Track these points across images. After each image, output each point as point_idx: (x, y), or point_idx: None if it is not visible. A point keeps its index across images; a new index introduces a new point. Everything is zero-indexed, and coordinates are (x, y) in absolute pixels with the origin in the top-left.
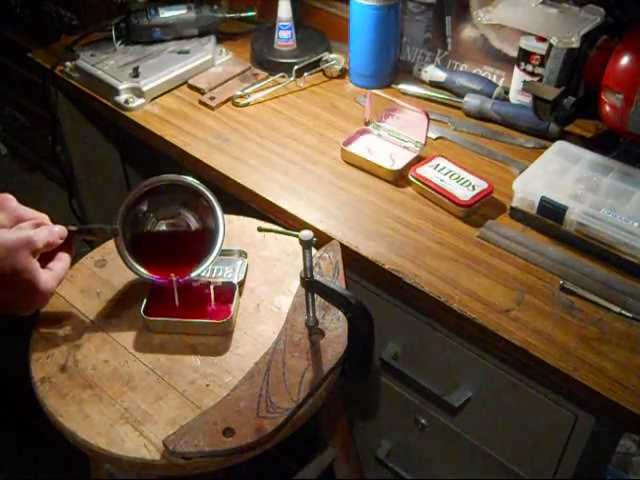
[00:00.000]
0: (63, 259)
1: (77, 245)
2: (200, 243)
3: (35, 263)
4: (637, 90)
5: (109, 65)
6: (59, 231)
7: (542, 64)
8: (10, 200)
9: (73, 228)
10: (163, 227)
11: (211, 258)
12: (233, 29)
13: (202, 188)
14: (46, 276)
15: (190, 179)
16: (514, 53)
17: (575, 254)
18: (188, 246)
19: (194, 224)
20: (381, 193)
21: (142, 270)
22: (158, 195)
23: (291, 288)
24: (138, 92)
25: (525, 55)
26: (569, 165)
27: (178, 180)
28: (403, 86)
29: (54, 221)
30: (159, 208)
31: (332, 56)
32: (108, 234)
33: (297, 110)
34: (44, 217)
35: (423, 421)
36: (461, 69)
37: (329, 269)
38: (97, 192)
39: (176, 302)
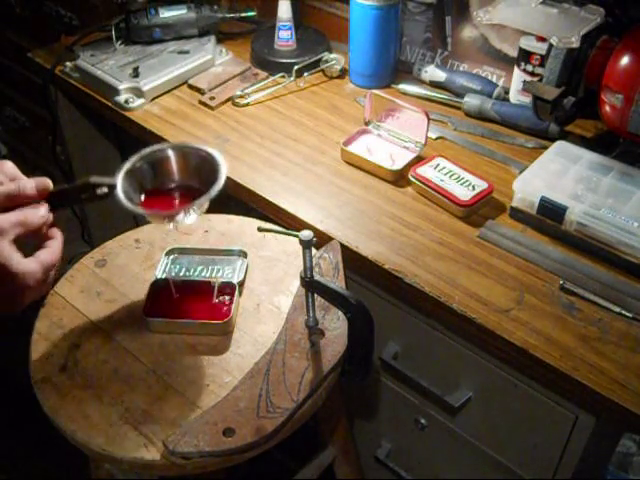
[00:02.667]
0: (50, 245)
1: (77, 245)
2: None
3: (9, 250)
4: (637, 90)
5: (109, 65)
6: (34, 213)
7: (542, 64)
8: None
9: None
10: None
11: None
12: (233, 29)
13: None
14: (28, 263)
15: (189, 143)
16: (514, 53)
17: (575, 254)
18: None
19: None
20: (381, 193)
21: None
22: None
23: (291, 288)
24: (138, 92)
25: (525, 55)
26: (569, 165)
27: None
28: (403, 86)
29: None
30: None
31: (332, 56)
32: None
33: (297, 110)
34: (23, 186)
35: (423, 421)
36: (461, 69)
37: (329, 269)
38: None
39: (174, 295)
